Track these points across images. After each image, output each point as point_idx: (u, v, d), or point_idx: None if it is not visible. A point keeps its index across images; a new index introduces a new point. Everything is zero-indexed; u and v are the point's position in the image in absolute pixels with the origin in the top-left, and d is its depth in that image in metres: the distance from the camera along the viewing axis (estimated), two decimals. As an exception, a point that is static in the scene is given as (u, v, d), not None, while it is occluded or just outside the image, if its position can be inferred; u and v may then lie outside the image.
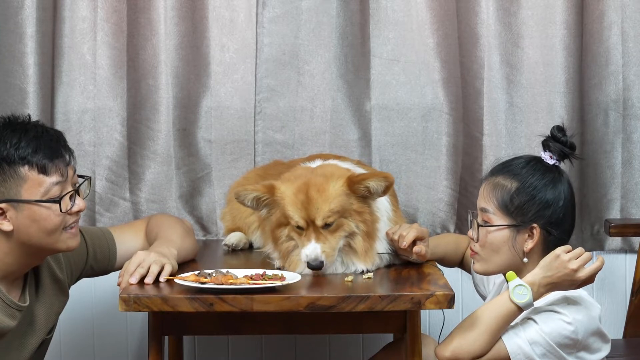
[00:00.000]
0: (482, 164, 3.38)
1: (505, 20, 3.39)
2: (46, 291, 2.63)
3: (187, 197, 3.42)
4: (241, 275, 2.44)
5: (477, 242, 2.58)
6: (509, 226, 2.53)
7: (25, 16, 3.27)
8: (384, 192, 2.62)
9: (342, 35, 3.39)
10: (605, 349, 2.52)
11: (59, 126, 3.37)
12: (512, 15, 3.39)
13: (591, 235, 3.47)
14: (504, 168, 2.60)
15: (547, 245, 2.53)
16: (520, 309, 2.42)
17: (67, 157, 2.51)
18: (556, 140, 2.58)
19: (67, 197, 2.48)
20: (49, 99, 3.35)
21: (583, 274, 2.43)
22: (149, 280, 2.47)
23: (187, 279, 2.42)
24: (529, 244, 2.53)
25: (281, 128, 3.42)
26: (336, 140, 3.41)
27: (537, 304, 2.46)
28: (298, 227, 2.60)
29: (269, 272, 2.49)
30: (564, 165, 2.64)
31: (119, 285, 2.49)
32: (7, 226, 2.44)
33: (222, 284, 2.37)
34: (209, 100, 3.40)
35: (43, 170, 2.44)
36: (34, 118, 3.28)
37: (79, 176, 2.55)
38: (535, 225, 2.52)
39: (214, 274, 2.42)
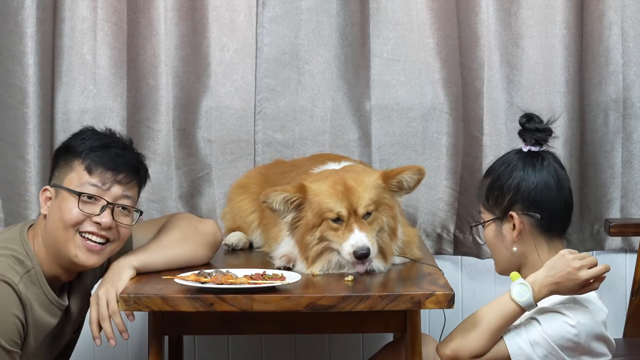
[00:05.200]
0: (482, 164, 3.38)
1: (505, 20, 3.39)
2: (77, 290, 2.68)
3: (187, 197, 3.42)
4: (241, 275, 2.44)
5: (483, 243, 2.62)
6: (491, 221, 2.56)
7: (25, 16, 3.28)
8: (415, 186, 2.64)
9: (342, 35, 3.39)
10: (608, 355, 2.51)
11: (59, 126, 3.38)
12: (512, 15, 3.39)
13: (591, 235, 3.47)
14: (488, 168, 2.64)
15: (539, 231, 2.53)
16: (522, 309, 2.42)
17: (125, 179, 2.58)
18: (525, 129, 2.59)
19: (97, 201, 2.54)
20: (49, 98, 3.35)
21: (585, 274, 2.42)
22: (117, 320, 2.50)
23: (187, 278, 2.42)
24: (514, 233, 2.53)
25: (281, 128, 3.42)
26: (336, 140, 3.41)
27: (543, 304, 2.46)
28: (337, 219, 2.57)
29: (269, 271, 2.48)
30: (566, 165, 2.64)
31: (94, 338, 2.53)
32: (45, 210, 2.58)
33: (222, 284, 2.37)
34: (209, 100, 3.40)
35: (88, 170, 2.56)
36: (33, 118, 3.32)
37: (135, 210, 2.63)
38: (512, 213, 2.53)
39: (214, 274, 2.42)
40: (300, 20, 3.39)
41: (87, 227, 2.54)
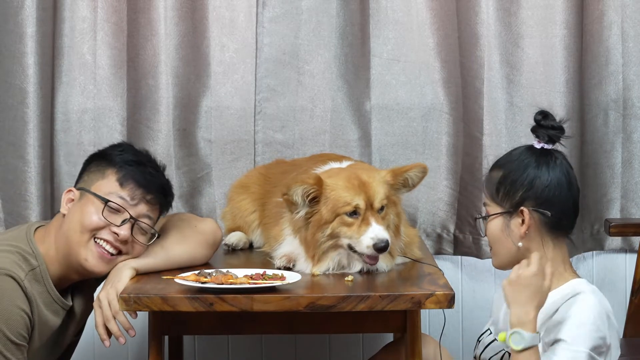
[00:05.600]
0: (482, 164, 3.38)
1: (505, 20, 3.39)
2: (81, 292, 2.69)
3: (187, 197, 3.42)
4: (241, 275, 2.44)
5: (483, 235, 2.61)
6: (499, 214, 2.54)
7: (25, 16, 3.28)
8: (417, 183, 2.69)
9: (342, 35, 3.39)
10: (619, 351, 2.51)
11: (59, 126, 3.38)
12: (512, 15, 3.39)
13: (591, 235, 3.47)
14: (497, 161, 2.63)
15: (547, 229, 2.53)
16: (534, 346, 2.37)
17: (153, 200, 2.63)
18: (539, 125, 2.58)
19: (120, 212, 2.57)
20: (49, 99, 3.35)
21: (533, 267, 2.40)
22: (121, 319, 2.54)
23: (187, 278, 2.42)
24: (523, 228, 2.53)
25: (281, 128, 3.42)
26: (336, 140, 3.41)
27: (549, 323, 2.44)
28: (353, 213, 2.57)
29: (269, 271, 2.49)
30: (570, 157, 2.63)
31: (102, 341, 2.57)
32: (65, 210, 2.60)
33: (222, 284, 2.37)
34: (209, 100, 3.40)
35: (120, 182, 2.59)
36: (33, 118, 3.32)
37: (152, 232, 2.65)
38: (523, 208, 2.52)
39: (214, 274, 2.42)
40: (300, 20, 3.40)
41: (104, 234, 2.57)
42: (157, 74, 3.37)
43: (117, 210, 2.58)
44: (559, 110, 3.36)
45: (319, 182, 2.59)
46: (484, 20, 3.37)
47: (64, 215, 2.60)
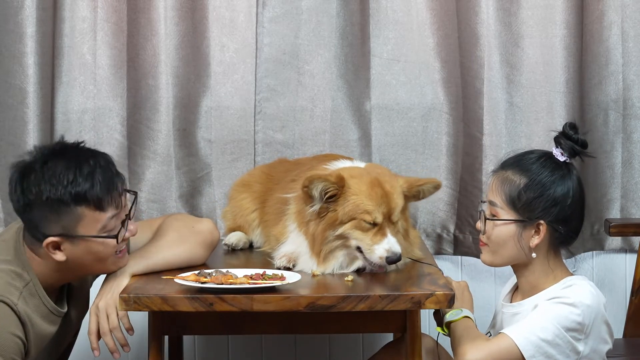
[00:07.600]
0: (482, 163, 3.38)
1: (505, 20, 3.39)
2: (77, 296, 2.67)
3: (187, 197, 3.42)
4: (241, 275, 2.44)
5: (483, 234, 2.58)
6: (515, 221, 2.53)
7: (25, 16, 3.28)
8: (427, 197, 2.72)
9: (342, 35, 3.39)
10: (610, 344, 2.52)
11: (59, 126, 3.37)
12: (512, 15, 3.39)
13: (591, 235, 3.47)
14: (515, 162, 2.58)
15: (554, 242, 2.53)
16: (467, 317, 2.55)
17: (120, 185, 2.50)
18: (567, 137, 2.56)
19: (119, 218, 2.51)
20: (49, 99, 3.35)
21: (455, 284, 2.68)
22: (118, 335, 2.52)
23: (187, 278, 2.42)
24: (535, 240, 2.52)
25: (281, 128, 3.42)
26: (336, 140, 3.41)
27: (547, 295, 2.47)
28: (372, 222, 2.57)
29: (269, 271, 2.48)
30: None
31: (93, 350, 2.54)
32: (60, 256, 2.47)
33: (222, 284, 2.37)
34: (209, 100, 3.40)
35: (99, 207, 2.45)
36: (33, 118, 3.31)
37: (126, 191, 2.55)
38: (542, 222, 2.51)
39: (214, 274, 2.42)
40: (300, 20, 3.40)
41: (122, 245, 2.54)
42: (157, 74, 3.37)
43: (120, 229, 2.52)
44: (559, 110, 3.36)
45: (340, 181, 2.57)
46: (484, 20, 3.37)
47: (57, 260, 2.47)
